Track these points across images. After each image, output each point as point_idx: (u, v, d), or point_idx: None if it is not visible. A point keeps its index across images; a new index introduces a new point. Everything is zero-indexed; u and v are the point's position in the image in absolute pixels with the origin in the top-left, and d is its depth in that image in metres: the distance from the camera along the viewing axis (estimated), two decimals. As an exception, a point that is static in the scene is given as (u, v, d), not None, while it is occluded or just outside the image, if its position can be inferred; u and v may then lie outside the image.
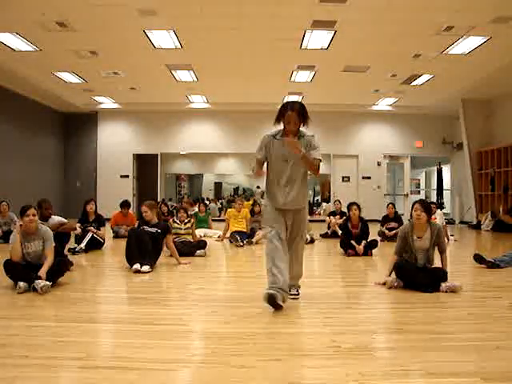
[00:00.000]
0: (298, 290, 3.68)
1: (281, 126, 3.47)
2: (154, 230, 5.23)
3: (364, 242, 6.29)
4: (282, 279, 3.25)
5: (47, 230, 4.25)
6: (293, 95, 11.93)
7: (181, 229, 6.53)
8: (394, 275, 4.11)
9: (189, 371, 2.22)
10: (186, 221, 6.62)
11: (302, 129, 3.48)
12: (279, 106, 3.49)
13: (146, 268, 4.77)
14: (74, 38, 7.53)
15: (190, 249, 6.20)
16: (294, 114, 3.35)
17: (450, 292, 3.77)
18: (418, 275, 3.94)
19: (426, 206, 4.09)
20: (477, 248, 7.89)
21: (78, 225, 6.48)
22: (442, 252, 4.08)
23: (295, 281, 3.66)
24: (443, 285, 3.81)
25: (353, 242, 6.27)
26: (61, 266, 4.21)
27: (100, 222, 6.70)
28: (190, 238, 6.50)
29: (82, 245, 6.27)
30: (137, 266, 4.77)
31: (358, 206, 6.55)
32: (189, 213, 9.68)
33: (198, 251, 6.20)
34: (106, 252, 6.79)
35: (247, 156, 14.14)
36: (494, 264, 5.08)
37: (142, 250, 4.94)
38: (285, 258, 3.37)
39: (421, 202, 4.20)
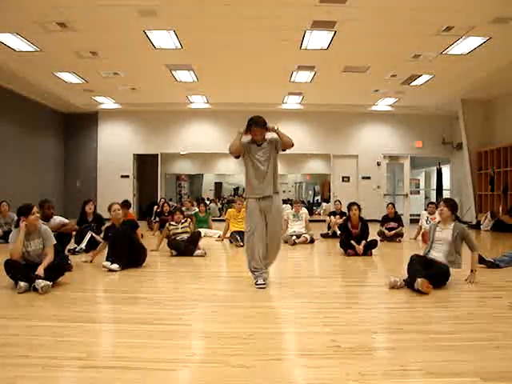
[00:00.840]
0: (268, 274, 4.29)
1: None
2: (121, 228, 5.34)
3: (364, 241, 6.30)
4: (260, 264, 4.16)
5: (47, 228, 4.32)
6: (293, 95, 11.94)
7: (177, 228, 6.58)
8: (396, 276, 4.15)
9: (189, 371, 2.23)
10: (182, 221, 6.67)
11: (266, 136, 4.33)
12: (247, 121, 4.28)
13: (114, 266, 4.91)
14: (74, 39, 7.53)
15: (190, 248, 6.20)
16: (258, 129, 4.25)
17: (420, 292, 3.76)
18: (416, 267, 4.04)
19: (450, 204, 4.44)
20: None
21: (77, 227, 6.48)
22: (472, 250, 4.31)
23: (269, 264, 4.34)
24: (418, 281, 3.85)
25: (353, 242, 6.28)
26: (61, 266, 4.23)
27: (99, 221, 6.70)
28: (187, 235, 6.53)
29: (83, 245, 6.28)
30: (106, 263, 4.96)
31: (358, 206, 6.58)
32: (189, 213, 9.74)
33: (198, 251, 6.20)
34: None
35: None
36: (493, 264, 5.09)
37: (119, 249, 5.09)
38: (263, 247, 4.20)
39: (445, 199, 4.65)
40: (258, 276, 4.13)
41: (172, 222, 6.69)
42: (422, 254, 4.44)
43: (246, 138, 4.37)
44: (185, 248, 6.19)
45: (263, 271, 4.18)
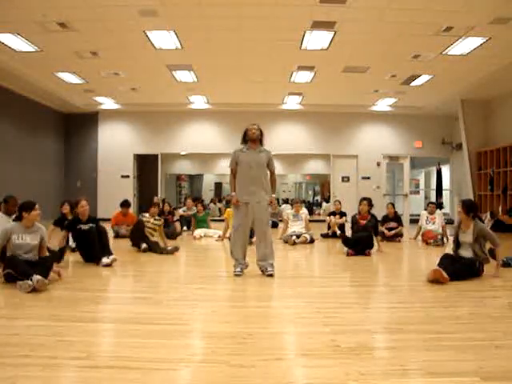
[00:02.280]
0: (273, 266, 4.63)
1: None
2: (88, 226, 5.43)
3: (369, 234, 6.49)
4: (241, 257, 4.71)
5: (43, 227, 4.44)
6: (293, 95, 11.94)
7: (148, 222, 6.79)
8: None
9: (189, 371, 2.23)
10: (156, 217, 6.94)
11: (262, 147, 4.81)
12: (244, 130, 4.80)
13: (111, 258, 5.17)
14: (74, 39, 7.53)
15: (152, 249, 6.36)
16: (254, 126, 4.76)
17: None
18: (445, 262, 4.41)
19: (467, 205, 4.67)
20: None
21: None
22: (494, 246, 4.58)
23: (269, 260, 4.64)
24: None
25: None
26: (48, 259, 4.30)
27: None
28: (155, 234, 6.78)
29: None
30: (106, 260, 5.14)
31: (369, 202, 6.77)
32: (189, 213, 9.75)
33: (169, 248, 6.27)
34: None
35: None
36: (505, 263, 5.13)
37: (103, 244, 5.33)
38: (244, 242, 4.73)
39: (463, 201, 4.82)
40: (236, 265, 4.70)
41: (146, 214, 6.90)
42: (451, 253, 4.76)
43: (240, 147, 4.81)
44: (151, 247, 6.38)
45: (241, 262, 4.71)
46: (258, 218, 4.63)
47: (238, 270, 4.67)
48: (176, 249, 6.30)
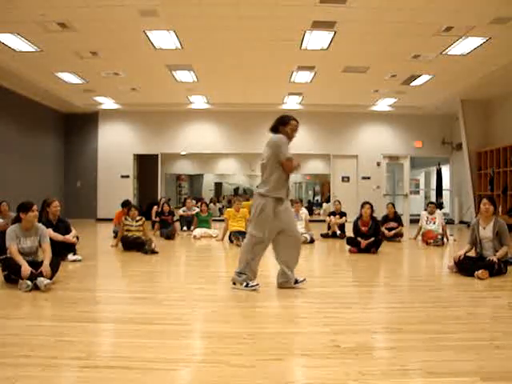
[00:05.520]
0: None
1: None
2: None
3: (373, 238, 6.51)
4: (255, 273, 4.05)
5: (43, 227, 4.39)
6: (293, 96, 11.94)
7: (132, 225, 6.82)
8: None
9: (189, 371, 2.23)
10: (137, 218, 6.92)
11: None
12: (280, 116, 4.04)
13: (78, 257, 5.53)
14: (74, 39, 7.53)
15: (138, 244, 6.41)
16: (298, 125, 4.00)
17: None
18: (472, 267, 4.56)
19: (493, 201, 4.95)
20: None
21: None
22: (502, 245, 4.71)
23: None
24: None
25: (359, 239, 6.54)
26: (57, 263, 4.27)
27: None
28: (140, 234, 6.79)
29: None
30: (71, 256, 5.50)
31: (371, 206, 6.89)
32: (190, 213, 9.76)
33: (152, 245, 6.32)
34: (106, 252, 6.81)
35: (247, 156, 14.14)
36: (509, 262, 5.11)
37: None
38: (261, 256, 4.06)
39: (488, 197, 5.06)
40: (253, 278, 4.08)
41: (128, 218, 6.92)
42: (461, 253, 4.84)
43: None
44: (135, 246, 6.45)
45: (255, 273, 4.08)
46: (289, 215, 4.02)
47: (255, 283, 4.04)
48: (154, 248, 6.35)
